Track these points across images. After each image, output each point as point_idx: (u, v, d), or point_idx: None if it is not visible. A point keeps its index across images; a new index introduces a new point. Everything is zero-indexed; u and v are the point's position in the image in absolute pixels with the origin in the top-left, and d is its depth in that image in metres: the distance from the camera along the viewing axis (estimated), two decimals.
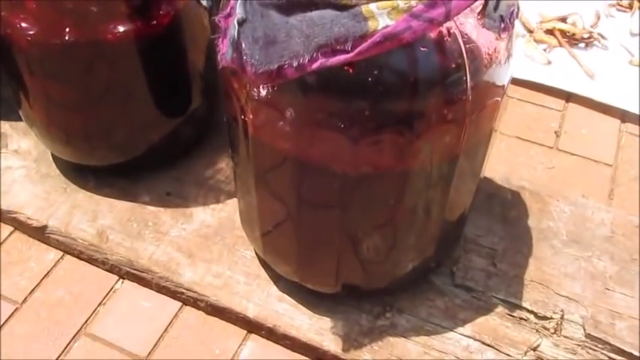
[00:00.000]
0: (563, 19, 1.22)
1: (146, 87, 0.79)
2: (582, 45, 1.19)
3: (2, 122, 0.96)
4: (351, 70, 0.49)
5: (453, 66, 0.51)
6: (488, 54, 0.54)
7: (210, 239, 0.81)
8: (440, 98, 0.51)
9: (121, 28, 0.71)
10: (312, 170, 0.57)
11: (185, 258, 0.80)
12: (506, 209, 0.86)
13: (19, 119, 0.88)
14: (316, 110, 0.51)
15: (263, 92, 0.53)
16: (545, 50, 1.17)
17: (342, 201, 0.59)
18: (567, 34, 1.19)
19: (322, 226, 0.63)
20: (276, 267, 0.73)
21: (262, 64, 0.47)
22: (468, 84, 0.52)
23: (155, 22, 0.73)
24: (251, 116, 0.57)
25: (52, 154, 0.90)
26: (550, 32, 1.20)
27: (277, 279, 0.77)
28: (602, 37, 1.19)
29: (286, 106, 0.52)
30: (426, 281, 0.77)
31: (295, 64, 0.47)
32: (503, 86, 0.57)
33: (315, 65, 0.47)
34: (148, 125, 0.84)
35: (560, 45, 1.18)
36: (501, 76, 0.57)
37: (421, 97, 0.51)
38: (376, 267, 0.68)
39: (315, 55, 0.46)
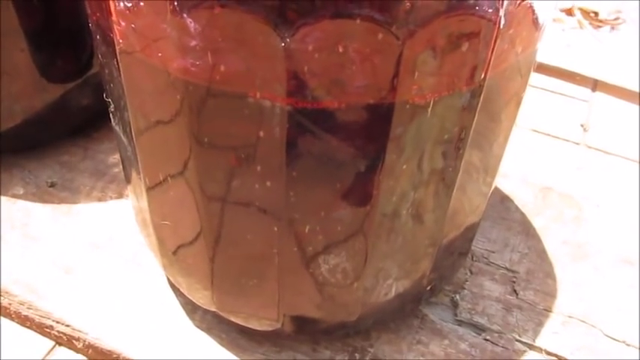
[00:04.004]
0: None
1: (23, 27, 0.55)
2: (607, 28, 0.96)
3: None
4: None
5: None
6: None
7: (100, 248, 0.56)
8: None
9: None
10: (224, 110, 0.32)
11: (61, 274, 0.54)
12: (528, 216, 0.61)
13: None
14: None
15: None
16: (562, 31, 0.95)
17: (276, 174, 0.33)
18: (591, 15, 0.97)
19: (249, 222, 0.38)
20: (189, 292, 0.48)
21: None
22: None
23: None
24: (119, 20, 0.32)
25: None
26: (568, 12, 0.98)
27: (194, 308, 0.51)
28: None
29: None
30: (415, 315, 0.51)
31: None
32: None
33: None
34: (27, 87, 0.59)
35: (581, 27, 0.96)
36: None
37: None
38: (340, 291, 0.42)
39: None
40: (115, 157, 0.64)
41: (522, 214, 0.62)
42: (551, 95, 0.84)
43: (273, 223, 0.36)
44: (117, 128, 0.41)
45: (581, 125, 0.80)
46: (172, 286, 0.52)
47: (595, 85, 0.86)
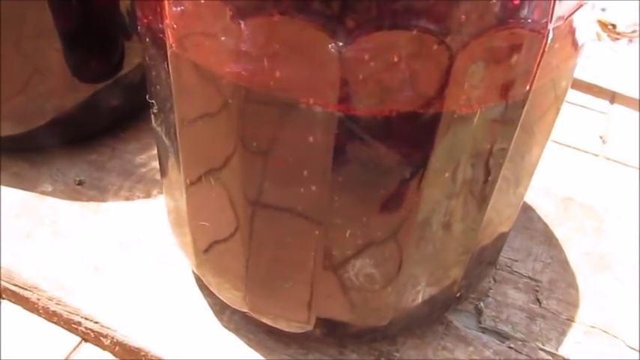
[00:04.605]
0: (602, 9, 1.00)
1: (56, 29, 0.56)
2: (625, 40, 0.97)
3: None
4: None
5: None
6: None
7: (128, 246, 0.56)
8: None
9: None
10: (274, 115, 0.32)
11: (89, 271, 0.54)
12: (551, 226, 0.62)
13: None
14: None
15: None
16: None
17: (322, 179, 0.34)
18: (609, 27, 0.98)
19: (290, 226, 0.38)
20: (220, 291, 0.48)
21: None
22: None
23: None
24: (173, 23, 0.33)
25: None
26: None
27: (222, 309, 0.52)
28: None
29: None
30: (440, 321, 0.52)
31: None
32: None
33: None
34: (58, 86, 0.60)
35: (599, 39, 0.96)
36: None
37: None
38: (373, 296, 0.43)
39: None
40: (142, 158, 0.65)
41: (545, 224, 0.63)
42: (569, 107, 0.85)
43: (314, 227, 0.37)
44: (158, 129, 0.42)
45: (600, 137, 0.80)
46: (201, 286, 0.53)
47: (613, 97, 0.87)
